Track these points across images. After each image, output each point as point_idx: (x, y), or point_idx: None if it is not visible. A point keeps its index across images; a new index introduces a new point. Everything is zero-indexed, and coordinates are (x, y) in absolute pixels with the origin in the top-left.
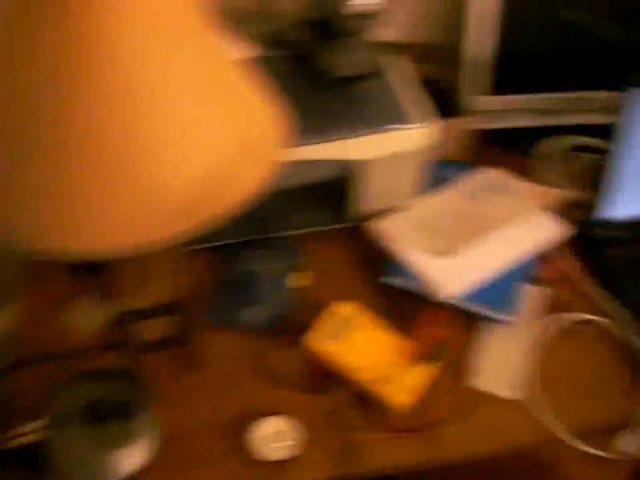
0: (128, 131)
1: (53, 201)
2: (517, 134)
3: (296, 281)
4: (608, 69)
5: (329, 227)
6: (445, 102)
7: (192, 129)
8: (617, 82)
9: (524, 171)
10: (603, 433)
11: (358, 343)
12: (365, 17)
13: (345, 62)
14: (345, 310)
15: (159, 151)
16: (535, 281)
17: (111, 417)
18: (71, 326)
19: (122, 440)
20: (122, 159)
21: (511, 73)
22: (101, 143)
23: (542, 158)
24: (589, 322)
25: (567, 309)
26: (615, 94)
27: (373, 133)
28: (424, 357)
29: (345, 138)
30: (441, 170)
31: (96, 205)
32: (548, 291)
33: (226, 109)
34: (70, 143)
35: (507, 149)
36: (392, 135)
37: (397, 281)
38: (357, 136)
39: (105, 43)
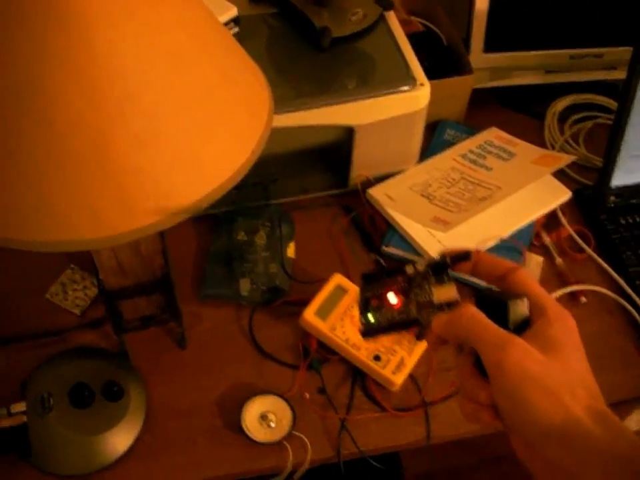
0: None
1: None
2: (521, 94)
3: (293, 251)
4: (618, 23)
5: (325, 194)
6: (444, 59)
7: (169, 102)
8: (628, 37)
9: (528, 132)
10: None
11: (355, 319)
12: None
13: (341, 20)
14: (343, 283)
15: (131, 132)
16: (536, 249)
17: (96, 398)
18: (55, 302)
19: (108, 422)
20: (95, 143)
21: (516, 28)
22: (71, 127)
23: (547, 119)
24: (590, 292)
25: (568, 278)
26: (625, 50)
27: (375, 96)
28: (418, 332)
29: (344, 102)
30: (441, 132)
31: (71, 193)
32: (550, 259)
33: (209, 77)
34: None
35: (511, 110)
36: (394, 98)
37: (397, 252)
38: (358, 100)
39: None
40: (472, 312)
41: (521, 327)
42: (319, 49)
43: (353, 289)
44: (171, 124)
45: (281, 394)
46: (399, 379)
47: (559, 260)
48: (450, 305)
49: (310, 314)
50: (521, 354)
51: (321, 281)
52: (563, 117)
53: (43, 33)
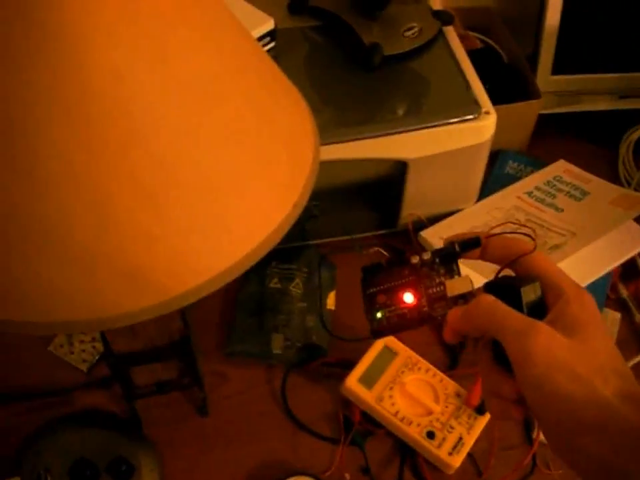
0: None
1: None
2: (591, 122)
3: (333, 302)
4: None
5: (371, 234)
6: (505, 79)
7: (189, 147)
8: None
9: (599, 165)
10: None
11: (405, 388)
12: None
13: (393, 36)
14: (392, 344)
15: (138, 187)
16: (612, 303)
17: (101, 478)
18: (59, 355)
19: None
20: (93, 204)
21: (588, 47)
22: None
23: (621, 151)
24: None
25: None
26: None
27: (432, 126)
28: (479, 405)
29: (396, 133)
30: (502, 164)
31: (66, 265)
32: (628, 316)
33: (242, 112)
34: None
35: (579, 139)
36: (455, 128)
37: None
38: (412, 130)
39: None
40: (489, 300)
41: (538, 312)
42: (368, 68)
43: (404, 351)
44: (191, 175)
45: (317, 475)
46: (457, 461)
47: (639, 317)
48: (464, 297)
49: (353, 381)
50: (547, 339)
51: (365, 340)
52: (638, 148)
53: (22, 60)
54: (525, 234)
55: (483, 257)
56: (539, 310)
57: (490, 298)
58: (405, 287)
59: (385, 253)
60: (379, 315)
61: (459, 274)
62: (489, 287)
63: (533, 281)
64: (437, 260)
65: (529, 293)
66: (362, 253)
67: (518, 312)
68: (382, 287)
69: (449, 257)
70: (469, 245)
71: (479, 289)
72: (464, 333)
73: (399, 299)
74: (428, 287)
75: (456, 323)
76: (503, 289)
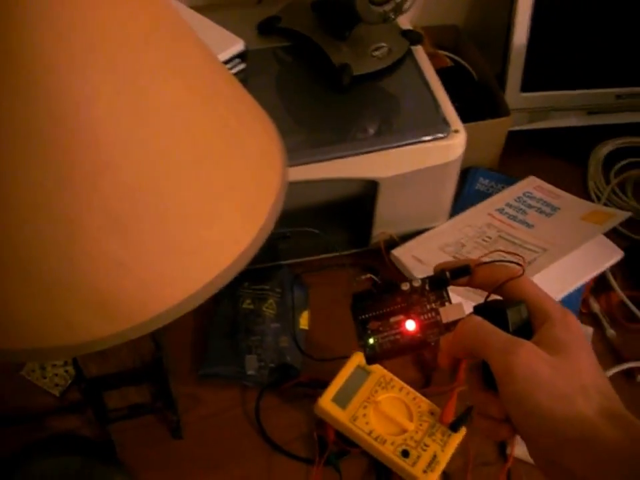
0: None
1: None
2: (560, 138)
3: (307, 321)
4: None
5: (343, 253)
6: (475, 97)
7: (157, 174)
8: None
9: (569, 181)
10: None
11: (379, 406)
12: None
13: (362, 56)
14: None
15: (106, 215)
16: (584, 317)
17: None
18: (31, 380)
19: None
20: (61, 233)
21: (557, 64)
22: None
23: (590, 166)
24: None
25: (622, 353)
26: None
27: (402, 145)
28: (453, 422)
29: (366, 152)
30: (473, 181)
31: (32, 293)
32: (600, 330)
33: (209, 138)
34: None
35: (549, 155)
36: (424, 147)
37: None
38: (382, 149)
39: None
40: (476, 320)
41: (524, 334)
42: (338, 88)
43: (378, 370)
44: (160, 202)
45: None
46: (431, 479)
47: (610, 331)
48: (457, 323)
49: (326, 401)
50: (529, 356)
51: (339, 359)
52: (607, 163)
53: None
54: (513, 262)
55: (470, 284)
56: (525, 332)
57: (477, 318)
58: (398, 314)
59: (376, 279)
60: (371, 341)
61: (449, 301)
62: (477, 310)
63: (518, 304)
64: (427, 287)
65: (515, 314)
66: (356, 281)
67: (503, 331)
68: (373, 314)
69: (439, 284)
70: (459, 273)
71: (470, 314)
72: (455, 356)
73: (392, 325)
74: (420, 313)
75: (447, 346)
76: (490, 311)
